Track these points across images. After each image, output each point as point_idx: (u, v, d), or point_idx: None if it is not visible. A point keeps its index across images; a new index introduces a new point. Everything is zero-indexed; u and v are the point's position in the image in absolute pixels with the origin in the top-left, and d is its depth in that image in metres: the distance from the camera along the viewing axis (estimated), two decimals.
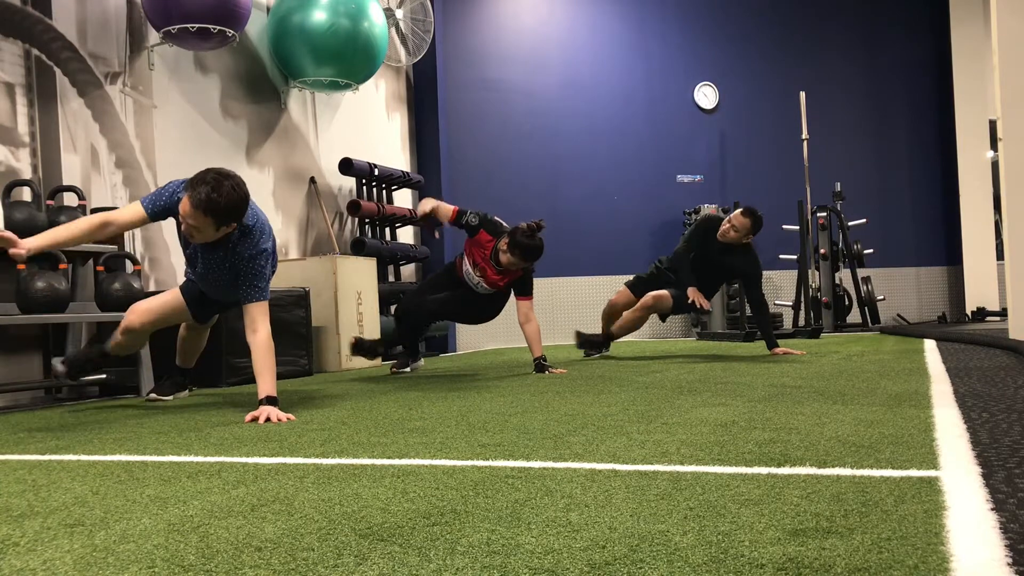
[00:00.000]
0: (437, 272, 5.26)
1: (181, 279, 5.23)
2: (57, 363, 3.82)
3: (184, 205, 3.03)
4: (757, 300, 5.40)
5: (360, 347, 5.12)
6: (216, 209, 3.00)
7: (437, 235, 4.87)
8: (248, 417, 2.95)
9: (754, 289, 5.42)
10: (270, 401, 3.02)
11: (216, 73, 5.81)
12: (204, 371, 4.69)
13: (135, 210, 3.21)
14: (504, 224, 4.70)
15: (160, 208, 3.21)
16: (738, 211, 5.36)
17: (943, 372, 3.57)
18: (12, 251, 2.89)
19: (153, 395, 3.96)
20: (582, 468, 1.80)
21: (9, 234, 2.88)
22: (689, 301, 5.33)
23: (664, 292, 5.56)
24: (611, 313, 5.90)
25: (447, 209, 4.76)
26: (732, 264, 5.44)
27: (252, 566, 1.19)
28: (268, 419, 2.90)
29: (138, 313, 3.61)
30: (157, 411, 3.47)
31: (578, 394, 3.35)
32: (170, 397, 3.97)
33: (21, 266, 3.98)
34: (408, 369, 5.20)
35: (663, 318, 5.88)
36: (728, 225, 5.29)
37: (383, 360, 5.44)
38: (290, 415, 2.97)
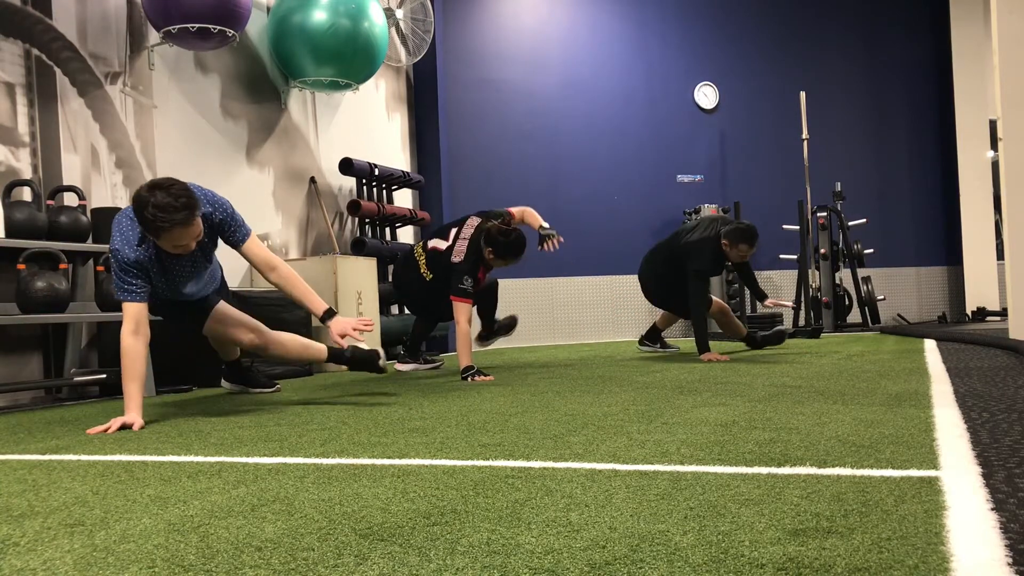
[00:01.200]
0: (404, 278, 5.03)
1: None
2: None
3: (162, 235, 2.99)
4: (749, 273, 5.66)
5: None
6: (189, 207, 2.97)
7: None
8: (338, 340, 3.19)
9: (747, 272, 5.67)
10: (332, 314, 3.22)
11: (216, 73, 5.81)
12: (204, 371, 4.70)
13: (131, 310, 3.12)
14: (476, 230, 4.60)
15: (140, 279, 3.14)
16: (740, 242, 5.22)
17: (943, 372, 3.57)
18: (135, 428, 2.90)
19: (227, 385, 4.18)
20: (582, 468, 1.80)
21: (117, 423, 2.88)
22: (706, 359, 5.02)
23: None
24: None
25: (469, 311, 4.43)
26: (731, 268, 5.63)
27: (252, 566, 1.19)
28: (354, 331, 3.13)
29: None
30: (157, 411, 3.47)
31: (578, 394, 3.35)
32: (255, 390, 4.11)
33: (21, 266, 3.98)
34: (407, 369, 5.21)
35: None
36: (738, 257, 5.30)
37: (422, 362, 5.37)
38: (368, 319, 3.23)
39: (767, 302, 5.48)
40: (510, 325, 5.35)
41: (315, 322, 5.57)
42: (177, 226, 2.97)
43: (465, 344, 4.31)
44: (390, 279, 7.10)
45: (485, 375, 4.23)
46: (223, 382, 4.23)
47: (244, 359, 4.16)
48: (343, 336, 3.15)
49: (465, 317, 4.32)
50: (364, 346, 3.33)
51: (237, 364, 4.12)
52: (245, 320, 3.75)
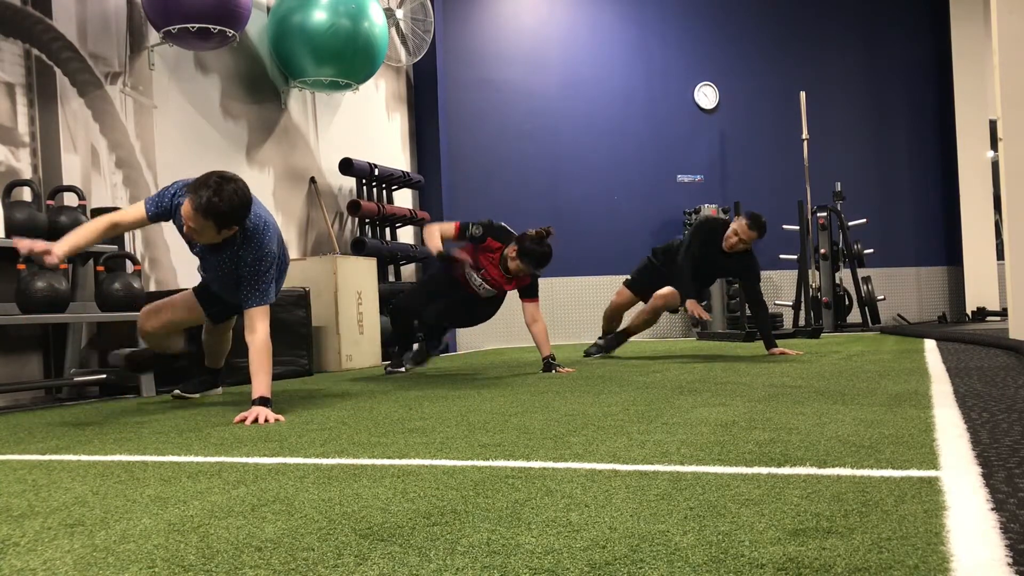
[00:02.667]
0: (433, 273, 5.18)
1: (181, 279, 5.24)
2: (122, 354, 3.86)
3: (186, 208, 3.02)
4: (756, 299, 5.39)
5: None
6: (217, 212, 2.98)
7: (470, 269, 4.62)
8: (237, 418, 2.93)
9: (753, 288, 5.42)
10: (263, 402, 3.00)
11: (216, 73, 5.81)
12: (197, 371, 4.69)
13: (137, 210, 3.22)
14: (511, 230, 4.66)
15: (161, 210, 3.21)
16: (743, 221, 5.23)
17: (943, 372, 3.57)
18: (47, 259, 2.89)
19: (178, 392, 3.98)
20: (582, 468, 1.80)
21: (43, 245, 2.88)
22: (689, 313, 5.26)
23: (670, 290, 5.50)
24: (612, 314, 5.89)
25: (448, 229, 4.66)
26: (731, 266, 5.47)
27: (252, 566, 1.19)
28: (256, 420, 2.88)
29: (145, 315, 3.65)
30: (157, 411, 3.47)
31: (578, 394, 3.35)
32: (197, 395, 4.00)
33: (21, 266, 3.98)
34: (403, 369, 5.19)
35: (673, 311, 5.88)
36: (736, 238, 5.24)
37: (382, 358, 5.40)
38: (279, 416, 2.94)
39: (773, 351, 5.22)
40: (422, 358, 5.24)
41: (315, 322, 5.58)
42: (197, 212, 2.98)
43: (545, 336, 4.68)
44: (393, 277, 7.11)
45: (566, 368, 4.56)
46: (177, 390, 4.03)
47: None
48: (246, 418, 2.92)
49: (540, 314, 4.71)
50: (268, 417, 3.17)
51: (213, 373, 4.07)
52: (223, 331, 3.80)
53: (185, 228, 3.11)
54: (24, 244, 2.88)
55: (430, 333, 5.22)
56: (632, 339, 6.08)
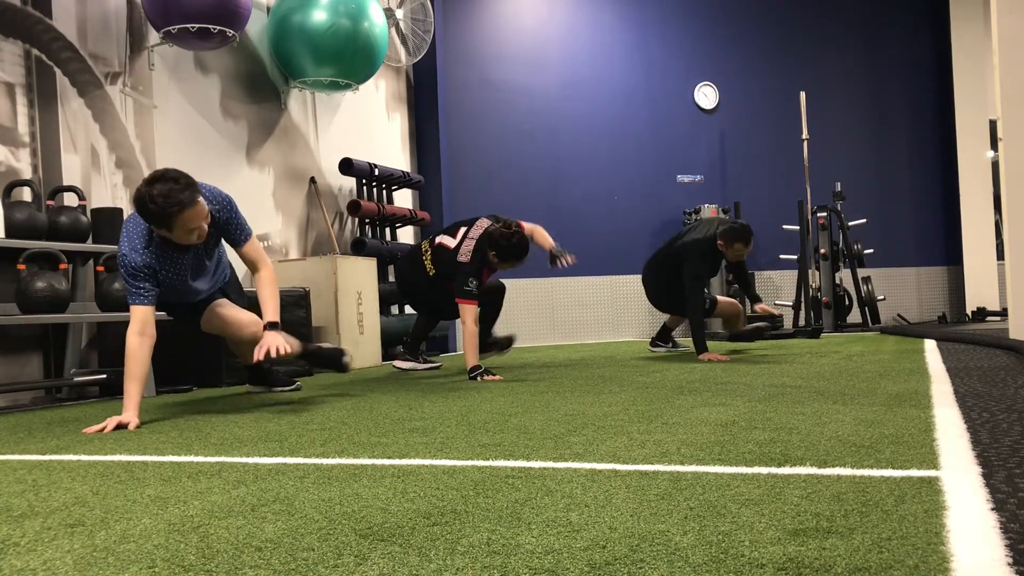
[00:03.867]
0: (406, 273, 5.06)
1: None
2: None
3: (178, 232, 3.03)
4: (744, 273, 5.76)
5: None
6: (190, 190, 3.00)
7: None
8: (257, 351, 3.09)
9: (741, 271, 5.77)
10: (273, 326, 3.15)
11: (216, 73, 5.81)
12: (204, 371, 4.70)
13: (139, 312, 3.12)
14: (483, 239, 4.57)
15: (149, 283, 3.15)
16: (735, 242, 5.24)
17: (943, 372, 3.57)
18: (131, 428, 2.92)
19: (251, 388, 4.17)
20: (582, 468, 1.80)
21: (113, 422, 2.90)
22: (706, 360, 5.00)
23: (728, 303, 5.78)
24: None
25: (475, 312, 4.48)
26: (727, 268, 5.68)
27: (252, 566, 1.19)
28: (277, 351, 3.06)
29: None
30: (157, 411, 3.47)
31: (578, 394, 3.35)
32: (284, 388, 4.12)
33: (21, 266, 3.98)
34: (405, 367, 5.21)
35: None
36: (735, 257, 5.38)
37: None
38: (291, 343, 3.15)
39: (758, 306, 5.51)
40: (506, 344, 5.25)
41: (315, 322, 5.58)
42: (186, 208, 2.99)
43: (472, 345, 4.37)
44: (392, 278, 7.11)
45: (493, 375, 4.27)
46: (248, 385, 4.22)
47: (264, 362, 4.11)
48: (262, 348, 3.08)
49: (471, 318, 4.39)
50: (328, 345, 3.31)
51: (258, 367, 4.07)
52: (241, 317, 3.66)
53: (195, 237, 3.12)
54: (94, 429, 2.87)
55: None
56: (632, 339, 6.10)
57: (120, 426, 2.90)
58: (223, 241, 3.46)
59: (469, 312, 4.38)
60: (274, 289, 3.31)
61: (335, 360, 3.82)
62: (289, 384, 4.15)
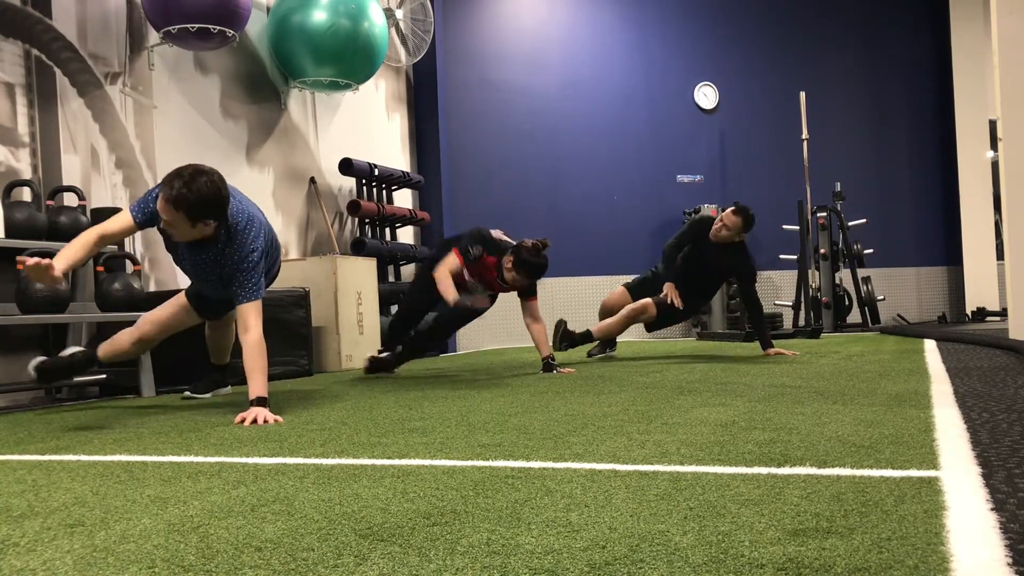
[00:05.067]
0: (428, 282, 5.01)
1: (182, 279, 5.24)
2: (32, 366, 3.62)
3: (160, 200, 3.00)
4: (751, 299, 5.36)
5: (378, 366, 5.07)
6: (186, 203, 2.95)
7: (477, 298, 4.64)
8: (237, 419, 2.93)
9: (748, 288, 5.38)
10: (260, 402, 3.00)
11: (216, 73, 5.81)
12: (204, 371, 4.69)
13: (123, 218, 3.14)
14: (501, 240, 4.61)
15: (148, 214, 3.15)
16: (729, 210, 5.34)
17: (943, 372, 3.57)
18: (50, 276, 2.86)
19: (188, 393, 4.00)
20: (582, 468, 1.80)
21: (45, 261, 2.84)
22: (663, 294, 5.29)
23: (649, 301, 5.45)
24: (605, 312, 5.84)
25: (453, 262, 4.53)
26: (726, 263, 5.38)
27: (252, 566, 1.19)
28: (255, 421, 2.88)
29: (150, 323, 3.62)
30: (157, 411, 3.47)
31: (578, 394, 3.35)
32: (208, 395, 4.01)
33: (21, 266, 3.98)
34: (397, 372, 5.16)
35: (648, 328, 5.65)
36: (720, 224, 5.27)
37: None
38: (278, 417, 2.94)
39: (771, 351, 5.16)
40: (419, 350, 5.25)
41: (315, 322, 5.57)
42: (167, 203, 2.96)
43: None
44: (392, 278, 7.11)
45: (567, 368, 4.57)
46: (187, 391, 4.06)
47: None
48: (242, 421, 2.91)
49: (539, 313, 4.67)
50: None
51: (220, 370, 4.06)
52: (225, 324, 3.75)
53: (162, 223, 3.09)
54: (29, 260, 2.85)
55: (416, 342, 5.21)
56: (632, 339, 6.08)
57: (41, 266, 2.83)
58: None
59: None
60: (262, 360, 3.09)
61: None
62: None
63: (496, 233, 4.66)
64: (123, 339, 3.65)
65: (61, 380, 3.87)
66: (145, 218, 3.16)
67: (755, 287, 5.38)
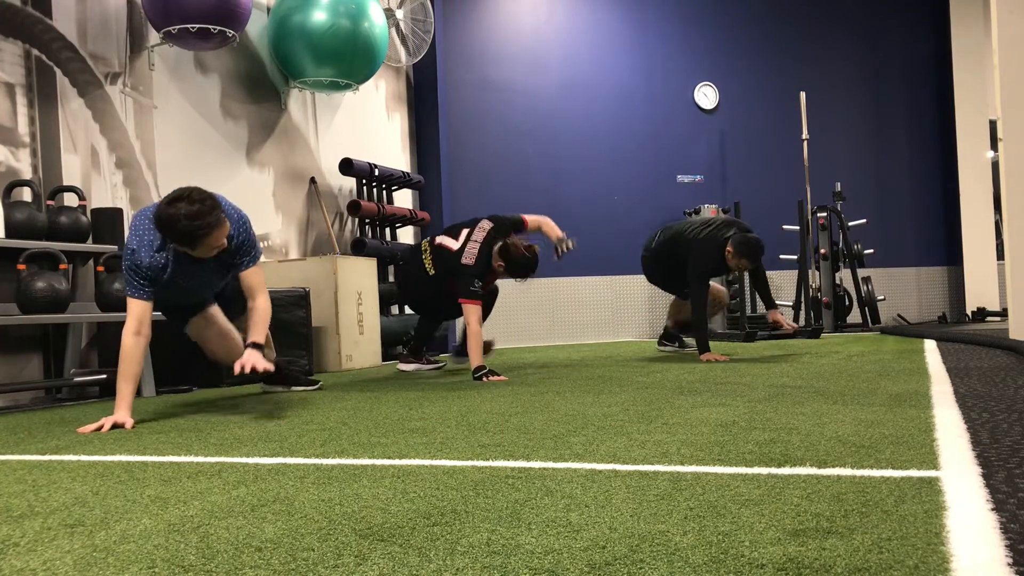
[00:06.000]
0: (408, 273, 5.06)
1: None
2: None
3: (195, 245, 3.05)
4: (759, 274, 5.48)
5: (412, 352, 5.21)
6: (213, 213, 3.03)
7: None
8: (236, 365, 3.08)
9: (759, 278, 5.50)
10: (256, 347, 3.15)
11: (216, 73, 5.81)
12: (204, 371, 4.70)
13: (137, 307, 3.14)
14: (494, 241, 4.60)
15: (147, 284, 3.15)
16: (743, 256, 5.12)
17: (943, 372, 3.57)
18: (127, 428, 2.92)
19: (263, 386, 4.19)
20: (582, 468, 1.80)
21: (109, 422, 2.91)
22: (705, 359, 4.99)
23: (717, 288, 5.69)
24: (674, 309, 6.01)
25: (477, 307, 4.51)
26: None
27: (252, 566, 1.19)
28: (254, 368, 3.07)
29: (210, 346, 3.76)
30: (157, 411, 3.47)
31: (578, 394, 3.35)
32: (282, 389, 4.17)
33: (21, 266, 3.98)
34: (410, 369, 5.21)
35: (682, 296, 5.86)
36: (733, 263, 5.18)
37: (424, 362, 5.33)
38: (269, 365, 3.16)
39: (771, 315, 5.27)
40: (486, 348, 5.24)
41: (315, 322, 5.58)
42: (214, 228, 3.04)
43: (476, 344, 4.39)
44: (392, 278, 7.11)
45: (498, 375, 4.28)
46: (262, 385, 4.22)
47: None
48: (242, 365, 3.08)
49: (476, 318, 4.42)
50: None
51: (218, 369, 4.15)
52: (226, 332, 3.69)
53: (210, 253, 3.15)
54: (90, 429, 2.87)
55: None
56: (632, 339, 6.07)
57: (116, 426, 2.91)
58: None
59: (473, 312, 4.41)
60: (266, 318, 3.30)
61: (302, 379, 4.16)
62: (311, 384, 4.20)
63: (484, 224, 4.69)
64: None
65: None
66: (149, 289, 3.17)
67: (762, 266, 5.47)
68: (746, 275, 6.92)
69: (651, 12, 9.24)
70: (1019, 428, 2.04)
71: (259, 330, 3.24)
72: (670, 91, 9.25)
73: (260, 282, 3.35)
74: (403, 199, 7.77)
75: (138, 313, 3.13)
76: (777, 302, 8.77)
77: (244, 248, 3.31)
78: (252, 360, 3.08)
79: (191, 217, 2.98)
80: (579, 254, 8.80)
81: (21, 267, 3.97)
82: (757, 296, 5.70)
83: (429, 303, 5.06)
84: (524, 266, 4.54)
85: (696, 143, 9.31)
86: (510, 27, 8.84)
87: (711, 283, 5.54)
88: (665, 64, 9.25)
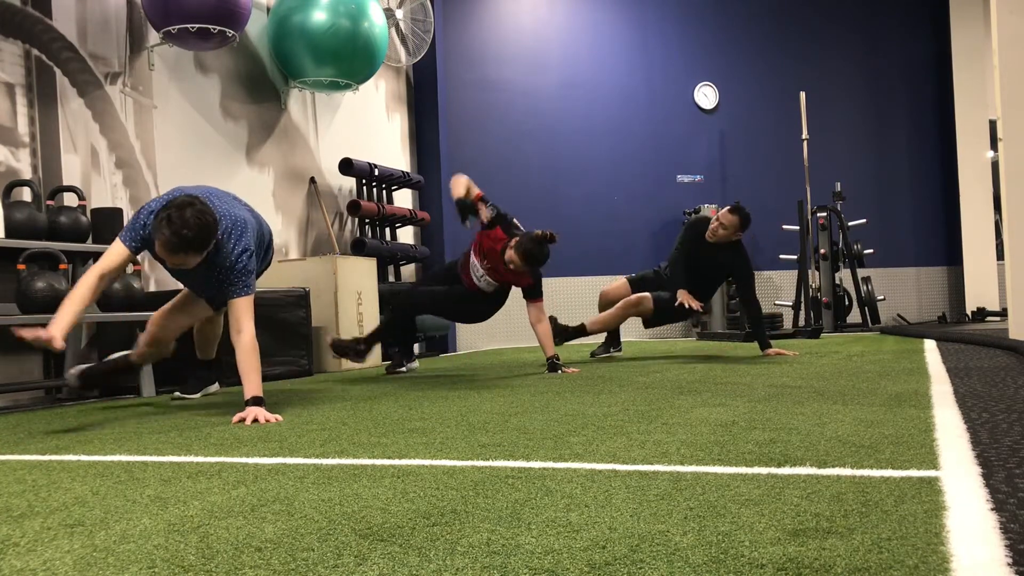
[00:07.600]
0: (435, 270, 5.23)
1: None
2: (73, 375, 3.69)
3: (159, 250, 2.99)
4: (749, 300, 5.33)
5: (340, 348, 5.03)
6: (190, 242, 2.94)
7: (468, 225, 4.81)
8: (235, 418, 2.94)
9: (746, 289, 5.35)
10: (256, 402, 3.01)
11: (216, 73, 5.81)
12: (192, 370, 4.68)
13: (118, 250, 3.10)
14: (520, 228, 4.69)
15: (140, 242, 3.13)
16: (726, 209, 5.34)
17: (943, 372, 3.57)
18: (55, 346, 2.83)
19: (178, 394, 3.98)
20: (582, 468, 1.80)
21: (44, 334, 2.81)
22: (677, 303, 5.21)
23: (647, 295, 5.43)
24: (604, 303, 5.78)
25: (475, 190, 4.79)
26: (723, 263, 5.37)
27: (252, 566, 1.19)
28: (256, 420, 2.89)
29: (156, 322, 3.64)
30: (157, 411, 3.47)
31: (578, 394, 3.35)
32: (198, 395, 3.99)
33: (21, 266, 3.98)
34: (403, 369, 5.19)
35: (646, 324, 5.63)
36: (716, 223, 5.26)
37: (383, 358, 5.39)
38: (277, 416, 2.95)
39: (770, 352, 5.11)
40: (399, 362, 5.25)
41: (315, 322, 5.57)
42: (172, 252, 2.96)
43: (549, 337, 4.71)
44: (393, 278, 7.11)
45: (571, 368, 4.60)
46: (176, 392, 4.06)
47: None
48: (242, 420, 2.93)
49: (544, 315, 4.73)
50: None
51: (208, 366, 4.06)
52: (208, 319, 3.76)
53: (169, 263, 3.10)
54: (27, 333, 2.82)
55: (403, 335, 5.24)
56: (632, 339, 6.05)
57: (41, 340, 2.78)
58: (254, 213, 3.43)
59: (538, 311, 4.68)
60: (255, 359, 3.11)
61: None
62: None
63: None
64: (141, 343, 3.73)
65: (100, 385, 4.01)
66: (138, 245, 3.13)
67: (753, 289, 5.36)
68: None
69: (651, 12, 9.24)
70: (1019, 428, 2.04)
71: (254, 380, 3.07)
72: (670, 91, 9.25)
73: (246, 313, 3.18)
74: (403, 199, 7.76)
75: (114, 258, 3.07)
76: (777, 302, 8.81)
77: (237, 275, 3.18)
78: (253, 415, 2.92)
79: (184, 227, 2.90)
80: (579, 254, 8.84)
81: (21, 267, 3.97)
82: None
83: (463, 312, 5.18)
84: (535, 250, 4.45)
85: (696, 143, 9.31)
86: (510, 27, 8.84)
87: (643, 294, 5.49)
88: (665, 64, 9.25)
